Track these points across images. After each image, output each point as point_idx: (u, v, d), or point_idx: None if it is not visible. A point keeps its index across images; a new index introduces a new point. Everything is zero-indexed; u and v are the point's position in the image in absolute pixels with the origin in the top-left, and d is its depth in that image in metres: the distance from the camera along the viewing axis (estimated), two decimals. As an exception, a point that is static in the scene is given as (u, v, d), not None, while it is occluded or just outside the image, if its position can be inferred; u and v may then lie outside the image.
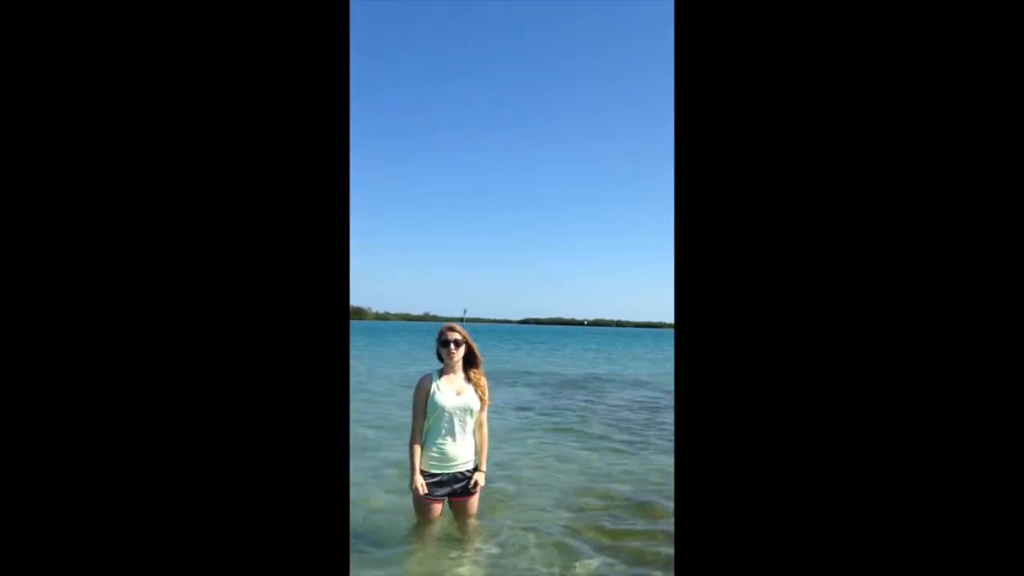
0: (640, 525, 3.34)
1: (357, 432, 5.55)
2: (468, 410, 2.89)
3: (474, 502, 2.99)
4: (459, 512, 2.97)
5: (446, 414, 2.85)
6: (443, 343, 2.94)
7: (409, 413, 2.97)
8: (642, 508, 3.66)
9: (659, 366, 17.77)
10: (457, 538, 2.88)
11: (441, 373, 2.95)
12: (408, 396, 3.21)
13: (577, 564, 2.75)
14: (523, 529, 3.17)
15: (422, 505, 2.88)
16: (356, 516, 3.17)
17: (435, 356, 3.04)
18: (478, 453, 3.01)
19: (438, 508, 2.91)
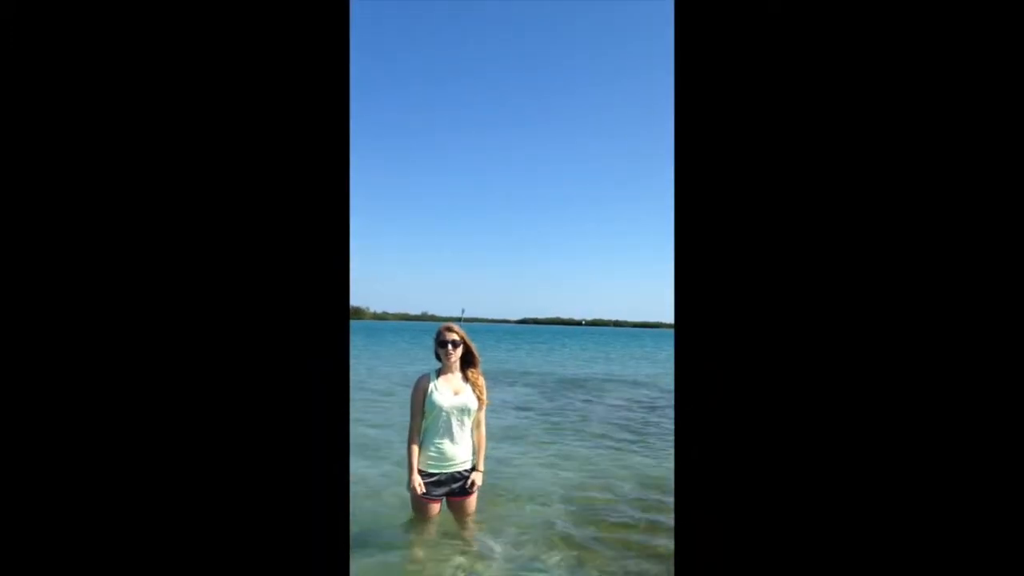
0: (639, 524, 3.35)
1: (356, 431, 5.55)
2: (466, 410, 2.89)
3: (472, 501, 2.99)
4: (457, 511, 2.97)
5: (444, 414, 2.85)
6: (441, 343, 2.94)
7: (407, 412, 2.97)
8: (641, 507, 3.66)
9: (658, 366, 17.79)
10: (455, 537, 2.89)
11: (439, 373, 2.95)
12: (407, 395, 3.21)
13: (576, 563, 2.76)
14: (522, 528, 3.17)
15: (420, 504, 2.88)
16: (355, 515, 3.17)
17: (433, 356, 3.04)
18: (476, 453, 3.01)
19: (436, 507, 2.91)
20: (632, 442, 5.86)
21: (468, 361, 2.99)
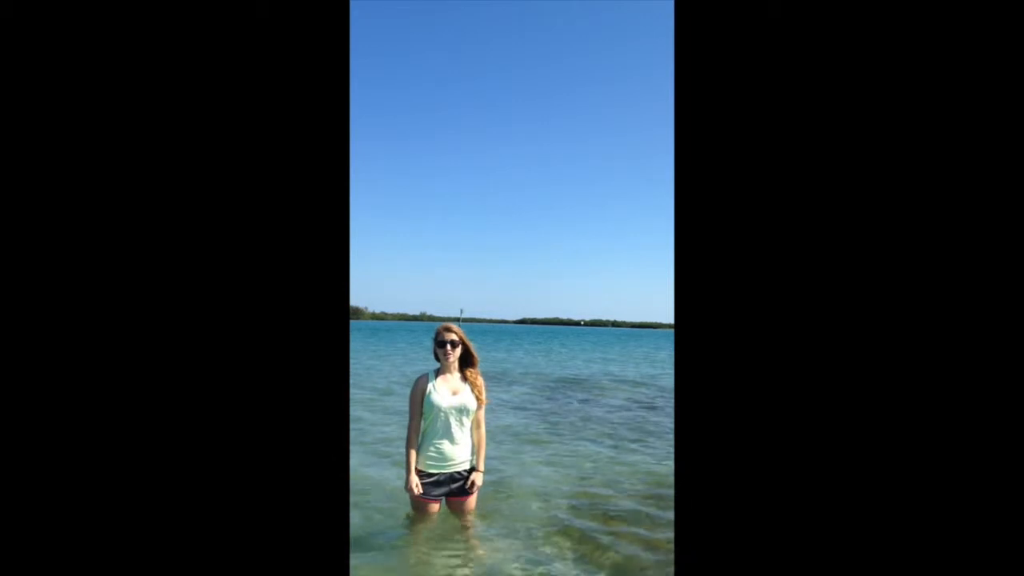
0: (639, 523, 3.35)
1: (356, 431, 5.55)
2: (464, 410, 2.89)
3: (472, 501, 2.99)
4: (457, 511, 2.97)
5: (442, 414, 2.85)
6: (440, 343, 2.94)
7: (406, 413, 2.97)
8: (641, 506, 3.66)
9: (657, 366, 17.80)
10: (455, 537, 2.88)
11: (437, 373, 2.95)
12: (405, 395, 3.21)
13: (576, 562, 2.76)
14: (521, 528, 3.17)
15: (419, 505, 2.88)
16: (355, 515, 3.17)
17: (432, 356, 3.04)
18: (476, 453, 3.01)
19: (435, 507, 2.91)
20: (632, 441, 5.86)
21: (467, 361, 2.99)
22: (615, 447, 5.56)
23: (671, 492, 3.83)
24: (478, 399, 2.95)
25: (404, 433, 2.97)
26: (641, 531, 3.23)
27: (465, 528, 2.96)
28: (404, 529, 3.02)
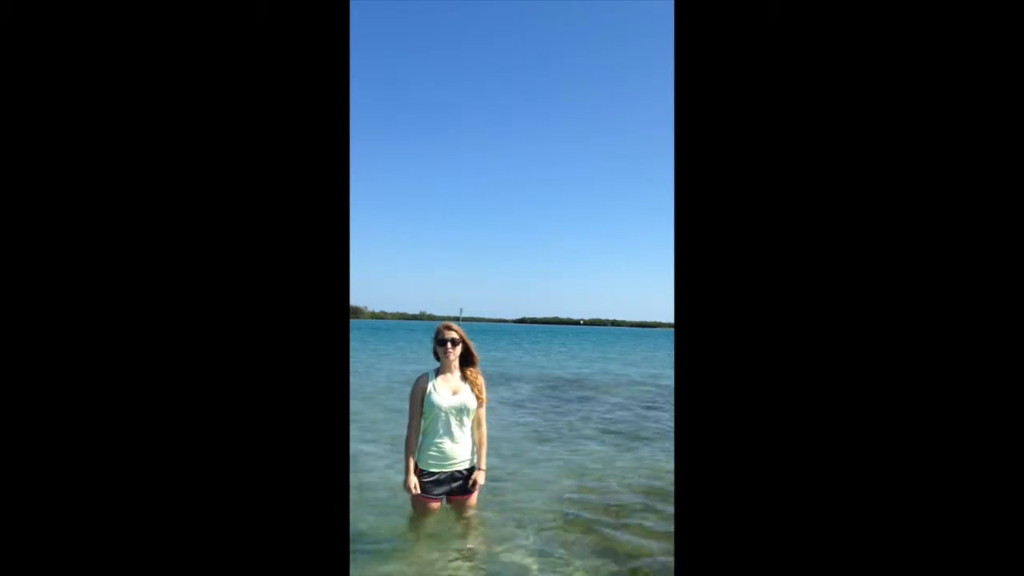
0: (640, 522, 3.35)
1: (356, 431, 5.55)
2: (465, 409, 2.89)
3: (472, 500, 2.99)
4: (457, 510, 2.98)
5: (442, 414, 2.85)
6: (440, 341, 2.93)
7: (406, 412, 2.97)
8: (641, 505, 3.67)
9: (656, 366, 17.80)
10: (455, 536, 2.89)
11: (437, 372, 2.95)
12: (405, 394, 3.21)
13: (576, 561, 2.76)
14: (522, 526, 3.17)
15: (420, 503, 2.89)
16: (355, 515, 3.17)
17: (431, 355, 3.04)
18: (477, 451, 3.01)
19: (436, 506, 2.91)
20: (632, 440, 5.86)
21: (467, 360, 2.99)
22: (615, 446, 5.56)
23: (672, 491, 3.84)
24: (478, 398, 2.95)
25: (404, 432, 2.98)
26: (642, 530, 3.24)
27: (466, 527, 2.96)
28: (405, 528, 3.02)
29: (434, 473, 2.88)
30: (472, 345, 2.99)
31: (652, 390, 10.80)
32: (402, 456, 2.93)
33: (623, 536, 3.12)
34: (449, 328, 2.95)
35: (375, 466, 4.41)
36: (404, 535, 2.97)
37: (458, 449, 2.90)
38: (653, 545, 3.00)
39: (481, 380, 3.01)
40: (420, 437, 2.90)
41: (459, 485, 2.92)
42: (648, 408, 8.34)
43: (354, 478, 3.83)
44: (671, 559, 2.73)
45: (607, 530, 3.20)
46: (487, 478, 3.10)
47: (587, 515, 3.44)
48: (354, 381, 9.78)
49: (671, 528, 3.14)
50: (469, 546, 2.83)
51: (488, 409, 3.14)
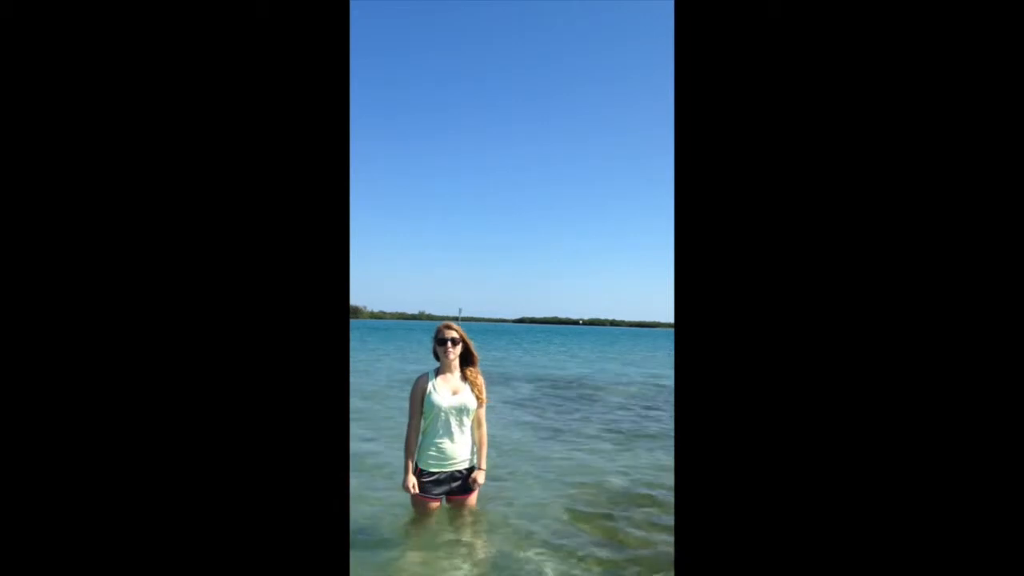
0: (639, 522, 3.36)
1: (356, 430, 5.54)
2: (465, 409, 2.89)
3: (472, 499, 2.99)
4: (457, 510, 2.98)
5: (443, 414, 2.85)
6: (440, 341, 2.93)
7: (405, 412, 2.97)
8: (640, 505, 3.67)
9: (656, 366, 17.81)
10: (455, 536, 2.89)
11: (437, 372, 2.95)
12: (405, 394, 3.21)
13: (575, 560, 2.76)
14: (521, 526, 3.18)
15: (420, 503, 2.89)
16: (355, 514, 3.17)
17: (431, 354, 3.03)
18: (477, 451, 3.01)
19: (436, 506, 2.91)
20: (631, 439, 5.87)
21: (467, 360, 2.99)
22: (615, 445, 5.56)
23: (671, 491, 3.84)
24: (478, 398, 2.95)
25: (403, 432, 2.98)
26: (642, 530, 3.24)
27: (465, 526, 2.96)
28: (405, 528, 3.02)
29: (434, 473, 2.88)
30: (472, 344, 2.99)
31: (652, 390, 10.80)
32: (402, 455, 2.93)
33: (623, 536, 3.13)
34: (449, 327, 2.95)
35: (375, 465, 4.41)
36: (404, 535, 2.97)
37: (458, 449, 2.90)
38: (652, 545, 3.00)
39: (481, 380, 3.01)
40: (420, 437, 2.90)
41: (459, 485, 2.92)
42: (648, 408, 8.34)
43: (354, 477, 3.83)
44: (671, 559, 2.73)
45: (607, 530, 3.20)
46: (487, 478, 3.11)
47: (587, 515, 3.44)
48: (353, 380, 9.78)
49: (671, 528, 3.14)
50: (469, 546, 2.83)
51: (488, 409, 3.14)
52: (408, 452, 2.87)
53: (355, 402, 7.28)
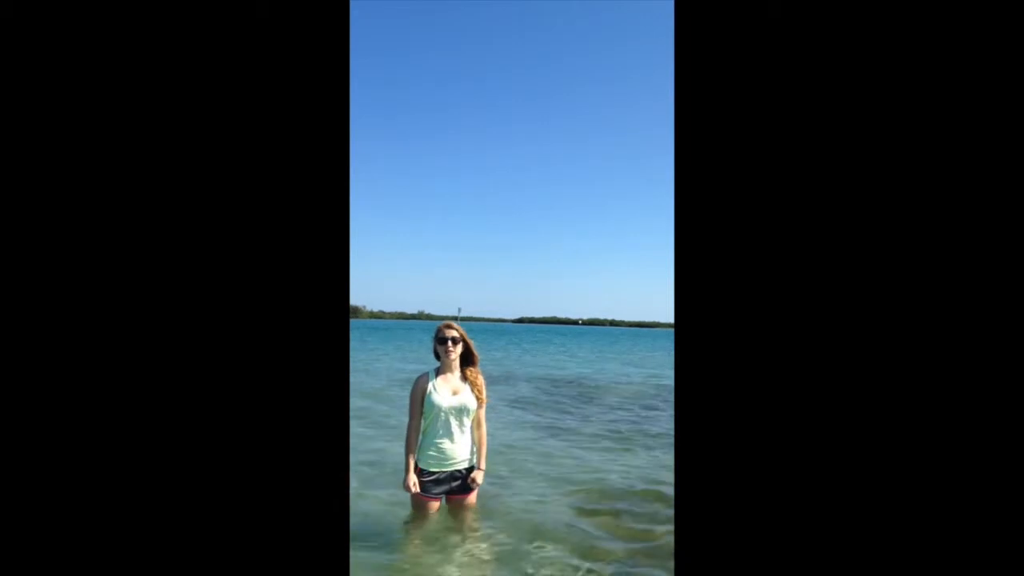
0: (639, 521, 3.36)
1: (356, 430, 5.54)
2: (465, 409, 2.89)
3: (472, 499, 2.99)
4: (457, 509, 2.98)
5: (442, 414, 2.85)
6: (440, 340, 2.93)
7: (405, 411, 2.97)
8: (641, 504, 3.67)
9: (655, 366, 17.81)
10: (455, 535, 2.89)
11: (438, 372, 2.95)
12: (404, 393, 3.21)
13: (575, 559, 2.76)
14: (521, 525, 3.18)
15: (419, 503, 2.89)
16: (355, 514, 3.17)
17: (431, 354, 3.03)
18: (477, 451, 3.01)
19: (435, 505, 2.91)
20: (631, 439, 5.87)
21: (467, 360, 2.99)
22: (614, 445, 5.57)
23: (671, 490, 3.85)
24: (478, 398, 2.95)
25: (403, 432, 2.98)
26: (642, 529, 3.24)
27: (465, 526, 2.96)
28: (404, 528, 3.02)
29: (434, 472, 2.88)
30: (473, 344, 2.98)
31: (651, 390, 10.81)
32: (402, 455, 2.93)
33: (623, 537, 3.13)
34: (450, 327, 2.95)
35: (375, 464, 4.41)
36: (403, 534, 2.97)
37: (458, 449, 2.90)
38: (653, 544, 3.00)
39: (481, 380, 3.01)
40: (420, 436, 2.90)
41: (458, 484, 2.93)
42: (647, 408, 8.34)
43: (354, 477, 3.83)
44: (671, 558, 2.73)
45: (607, 530, 3.21)
46: (486, 477, 3.11)
47: (587, 515, 3.44)
48: (353, 379, 9.78)
49: (671, 527, 3.14)
50: (468, 545, 2.83)
51: (488, 408, 3.14)
52: (409, 451, 2.87)
53: (355, 401, 7.28)
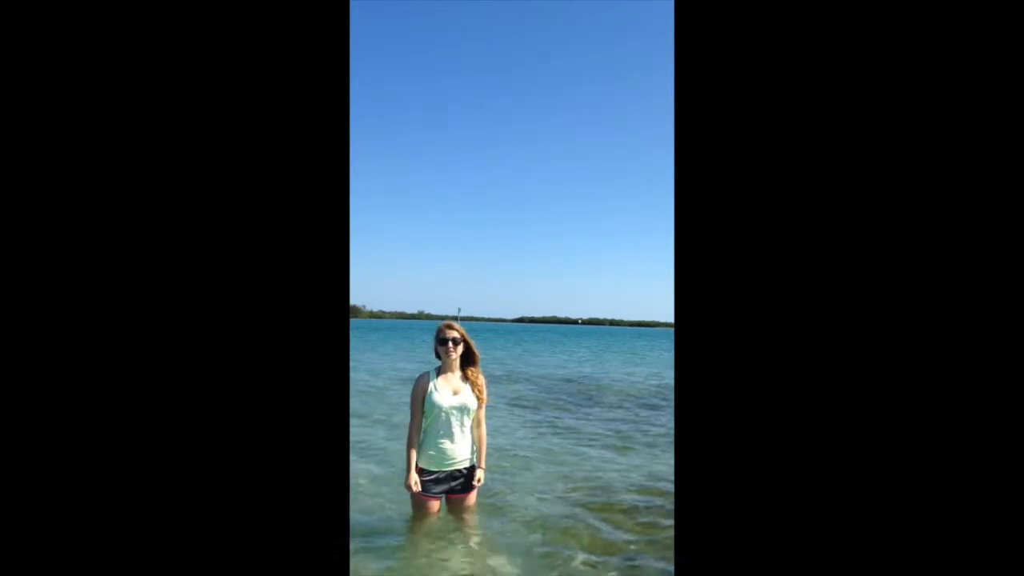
0: (640, 520, 3.36)
1: (356, 430, 5.55)
2: (465, 409, 2.89)
3: (472, 499, 2.99)
4: (457, 509, 2.98)
5: (443, 414, 2.85)
6: (441, 340, 2.93)
7: (406, 411, 2.97)
8: (641, 503, 3.67)
9: (655, 366, 17.81)
10: (455, 535, 2.89)
11: (438, 372, 2.95)
12: (404, 393, 3.21)
13: (575, 558, 2.77)
14: (521, 525, 3.18)
15: (420, 502, 2.89)
16: (355, 515, 3.17)
17: (432, 354, 3.03)
18: (477, 451, 3.01)
19: (435, 505, 2.91)
20: (630, 439, 5.87)
21: (468, 360, 2.99)
22: (614, 445, 5.57)
23: (671, 489, 3.85)
24: (479, 398, 2.95)
25: (404, 431, 2.98)
26: (642, 529, 3.24)
27: (465, 525, 2.96)
28: (404, 527, 3.03)
29: (434, 472, 2.88)
30: (473, 344, 2.99)
31: (651, 389, 10.81)
32: (403, 454, 2.93)
33: (623, 534, 3.13)
34: (451, 327, 2.95)
35: (375, 464, 4.41)
36: (403, 534, 2.97)
37: (458, 448, 2.90)
38: (653, 544, 3.00)
39: (482, 380, 3.01)
40: (420, 436, 2.91)
41: (459, 484, 2.93)
42: (647, 407, 8.35)
43: (354, 476, 3.83)
44: (671, 558, 2.73)
45: (607, 528, 3.21)
46: (486, 477, 3.11)
47: (587, 513, 3.44)
48: (353, 379, 9.78)
49: (671, 527, 3.14)
50: (468, 544, 2.83)
51: (488, 408, 3.14)
52: (410, 451, 2.87)
53: (355, 401, 7.28)
